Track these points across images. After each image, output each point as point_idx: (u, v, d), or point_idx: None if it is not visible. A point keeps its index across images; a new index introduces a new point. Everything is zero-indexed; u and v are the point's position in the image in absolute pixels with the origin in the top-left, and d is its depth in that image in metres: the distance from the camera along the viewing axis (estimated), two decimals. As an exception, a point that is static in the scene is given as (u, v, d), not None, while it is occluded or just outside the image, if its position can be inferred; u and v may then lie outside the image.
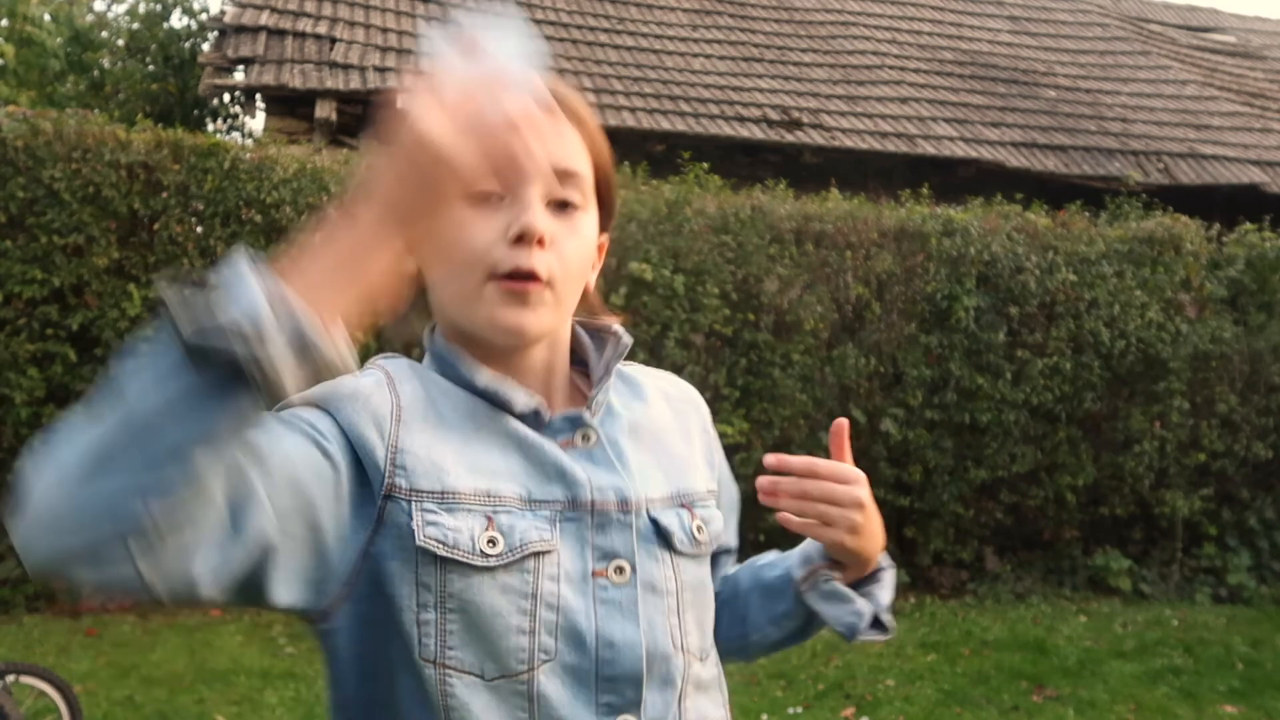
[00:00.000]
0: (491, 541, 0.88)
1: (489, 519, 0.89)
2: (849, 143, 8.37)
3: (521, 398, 0.96)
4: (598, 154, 0.98)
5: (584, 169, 0.96)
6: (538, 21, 9.11)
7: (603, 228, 1.02)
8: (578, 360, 1.06)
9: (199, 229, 5.40)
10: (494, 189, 0.89)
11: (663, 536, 0.97)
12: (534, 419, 0.96)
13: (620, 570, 0.94)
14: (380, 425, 0.89)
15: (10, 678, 3.28)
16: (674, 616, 0.96)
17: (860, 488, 0.99)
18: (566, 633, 0.90)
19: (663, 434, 1.05)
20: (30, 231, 5.13)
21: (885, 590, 1.08)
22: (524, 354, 0.98)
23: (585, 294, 1.03)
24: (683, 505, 1.01)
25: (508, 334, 0.94)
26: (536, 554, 0.89)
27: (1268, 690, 4.70)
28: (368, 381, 0.93)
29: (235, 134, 12.21)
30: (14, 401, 5.05)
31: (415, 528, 0.87)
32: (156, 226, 5.28)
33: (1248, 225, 7.03)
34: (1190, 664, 5.05)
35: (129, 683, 4.29)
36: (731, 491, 1.13)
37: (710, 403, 1.18)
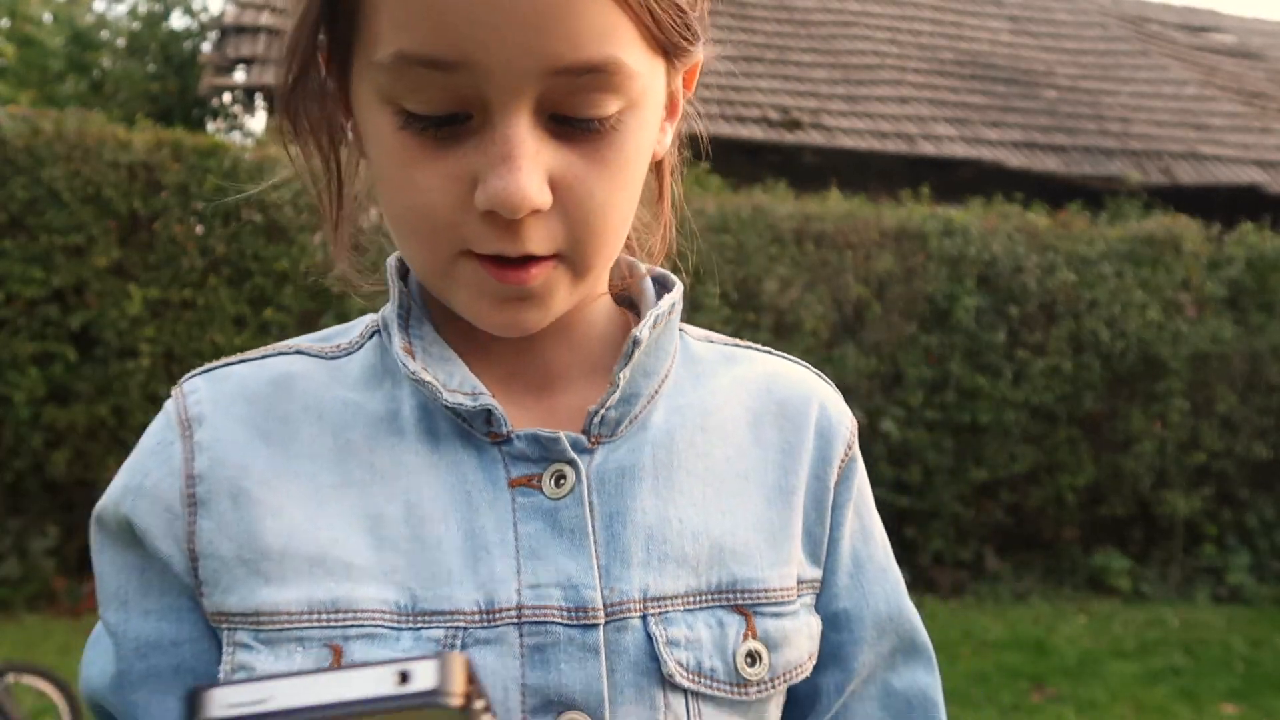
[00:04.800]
0: None
1: (335, 650, 0.55)
2: (849, 143, 8.37)
3: (456, 385, 0.59)
4: None
5: (615, 49, 0.52)
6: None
7: (680, 53, 0.58)
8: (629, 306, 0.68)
9: (199, 229, 5.41)
10: (445, 109, 0.52)
11: (655, 664, 0.57)
12: (481, 424, 0.59)
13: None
14: (171, 523, 0.58)
15: (10, 678, 3.27)
16: None
17: None
18: None
19: (734, 470, 0.63)
20: (30, 231, 5.13)
21: None
22: None
23: (659, 168, 0.66)
24: (734, 608, 0.60)
25: (499, 330, 0.59)
26: None
27: (1268, 690, 4.70)
28: (149, 443, 0.60)
29: (235, 134, 12.22)
30: (14, 401, 5.05)
31: (221, 676, 0.56)
32: (156, 226, 5.29)
33: (1248, 225, 7.03)
34: (1190, 664, 5.05)
35: (129, 683, 4.29)
36: (875, 591, 0.68)
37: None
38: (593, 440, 0.60)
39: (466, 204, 0.54)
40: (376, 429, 0.60)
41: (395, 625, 0.55)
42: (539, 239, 0.54)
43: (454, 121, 0.53)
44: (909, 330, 6.25)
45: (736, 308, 5.83)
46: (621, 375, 0.61)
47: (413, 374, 0.59)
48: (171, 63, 11.86)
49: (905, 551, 6.29)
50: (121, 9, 12.91)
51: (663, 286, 0.66)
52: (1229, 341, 6.59)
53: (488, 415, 0.59)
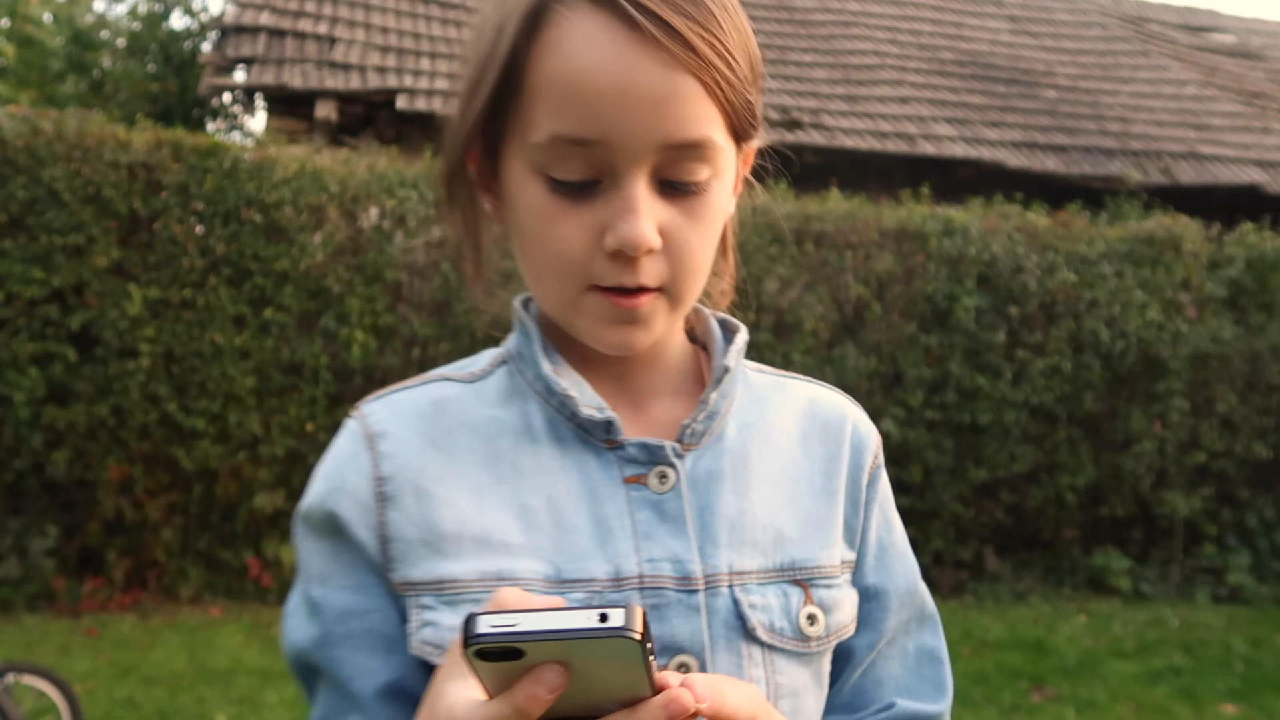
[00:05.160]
0: None
1: None
2: (849, 143, 8.37)
3: (587, 401, 0.76)
4: (731, 84, 0.70)
5: (710, 131, 0.70)
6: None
7: (746, 138, 0.76)
8: (698, 344, 0.85)
9: (199, 229, 5.41)
10: (583, 175, 0.70)
11: (741, 622, 0.74)
12: (602, 432, 0.76)
13: (684, 668, 0.71)
14: (366, 515, 0.74)
15: (10, 678, 3.28)
16: None
17: None
18: None
19: (790, 475, 0.80)
20: (30, 231, 5.13)
21: None
22: None
23: (723, 231, 0.82)
24: (794, 581, 0.76)
25: (612, 349, 0.75)
26: None
27: (1268, 690, 4.71)
28: (342, 454, 0.76)
29: (235, 134, 12.21)
30: (14, 401, 5.05)
31: (410, 631, 0.72)
32: (156, 226, 5.29)
33: (1248, 225, 7.03)
34: (1190, 664, 5.05)
35: (129, 683, 4.29)
36: (896, 571, 0.84)
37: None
38: (685, 447, 0.77)
39: (596, 248, 0.71)
40: (518, 438, 0.76)
41: (545, 591, 0.70)
42: (650, 273, 0.72)
43: (589, 185, 0.70)
44: (909, 330, 6.25)
45: (736, 308, 5.81)
46: (711, 396, 0.78)
47: (562, 390, 0.76)
48: (171, 63, 11.86)
49: (905, 551, 6.29)
50: (121, 9, 12.92)
51: (724, 327, 0.84)
52: (1229, 341, 6.60)
53: (608, 425, 0.76)
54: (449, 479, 0.74)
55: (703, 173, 0.72)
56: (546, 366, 0.77)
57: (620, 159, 0.69)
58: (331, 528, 0.74)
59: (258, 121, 15.99)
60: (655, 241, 0.70)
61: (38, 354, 5.13)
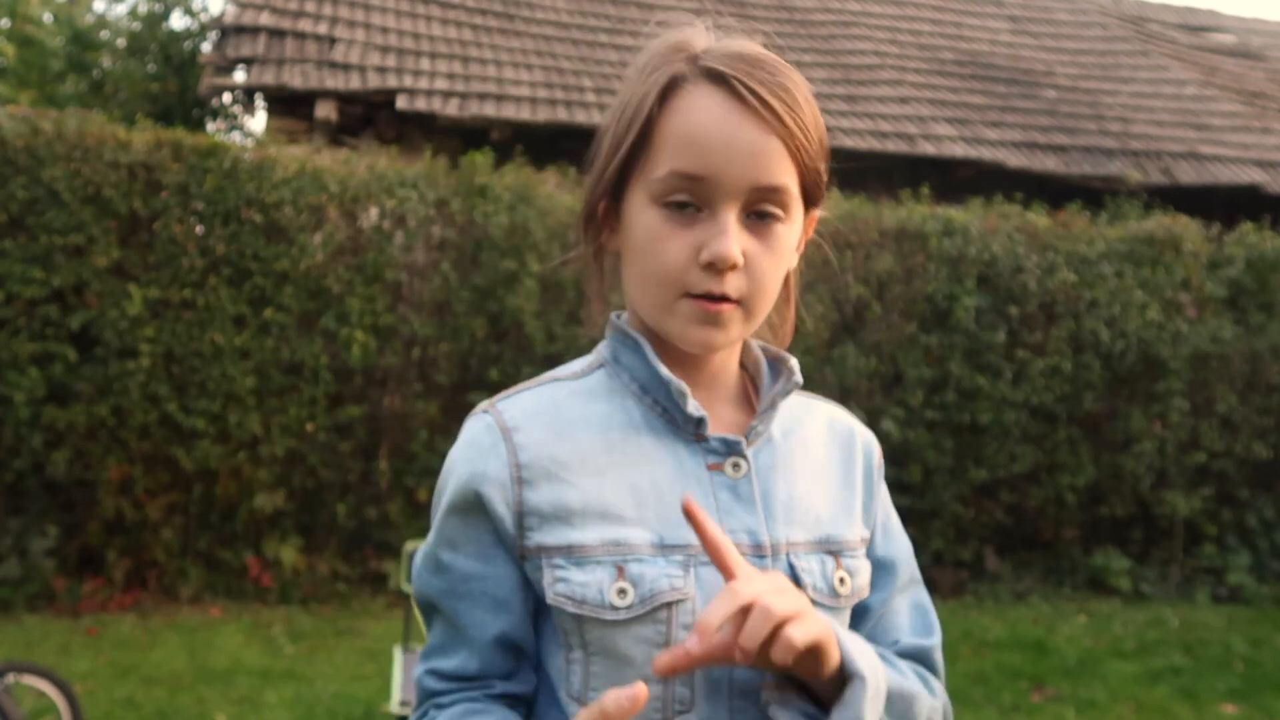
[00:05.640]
0: (621, 592, 0.88)
1: (619, 569, 0.89)
2: (849, 143, 8.37)
3: (693, 404, 0.94)
4: (805, 154, 0.93)
5: (787, 181, 0.92)
6: (538, 21, 9.12)
7: (813, 204, 0.98)
8: (745, 369, 1.05)
9: (199, 229, 5.41)
10: (691, 200, 0.91)
11: (797, 584, 0.91)
12: (693, 428, 0.95)
13: None
14: (505, 494, 0.91)
15: (10, 678, 3.28)
16: None
17: (740, 595, 0.81)
18: (702, 683, 0.89)
19: (821, 472, 1.01)
20: (30, 231, 5.13)
21: (845, 713, 0.87)
22: (701, 355, 0.97)
23: (786, 278, 1.01)
24: (828, 552, 0.97)
25: (695, 347, 0.94)
26: (669, 604, 0.88)
27: (1268, 690, 4.71)
28: (483, 444, 0.94)
29: (235, 134, 12.21)
30: (14, 401, 5.05)
31: (545, 586, 0.90)
32: (156, 226, 5.29)
33: (1248, 225, 7.03)
34: (1190, 664, 5.05)
35: (129, 683, 4.29)
36: (897, 546, 1.06)
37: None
38: (750, 443, 0.97)
39: (692, 262, 0.90)
40: (625, 429, 0.95)
41: (652, 555, 0.90)
42: (733, 286, 0.91)
43: (694, 212, 0.91)
44: (909, 330, 6.25)
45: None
46: (781, 404, 0.99)
47: (678, 390, 0.94)
48: (171, 63, 11.85)
49: (905, 551, 6.29)
50: (121, 9, 12.91)
51: (776, 360, 1.04)
52: (1229, 341, 6.59)
53: (700, 422, 0.95)
54: (574, 464, 0.92)
55: (778, 213, 0.92)
56: (664, 370, 0.95)
57: (719, 194, 0.90)
58: (474, 505, 0.92)
59: (258, 122, 15.99)
60: (739, 259, 0.90)
61: (38, 354, 5.13)
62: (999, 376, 6.27)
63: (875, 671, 0.90)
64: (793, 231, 0.95)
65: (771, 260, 0.93)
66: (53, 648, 4.66)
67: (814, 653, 0.85)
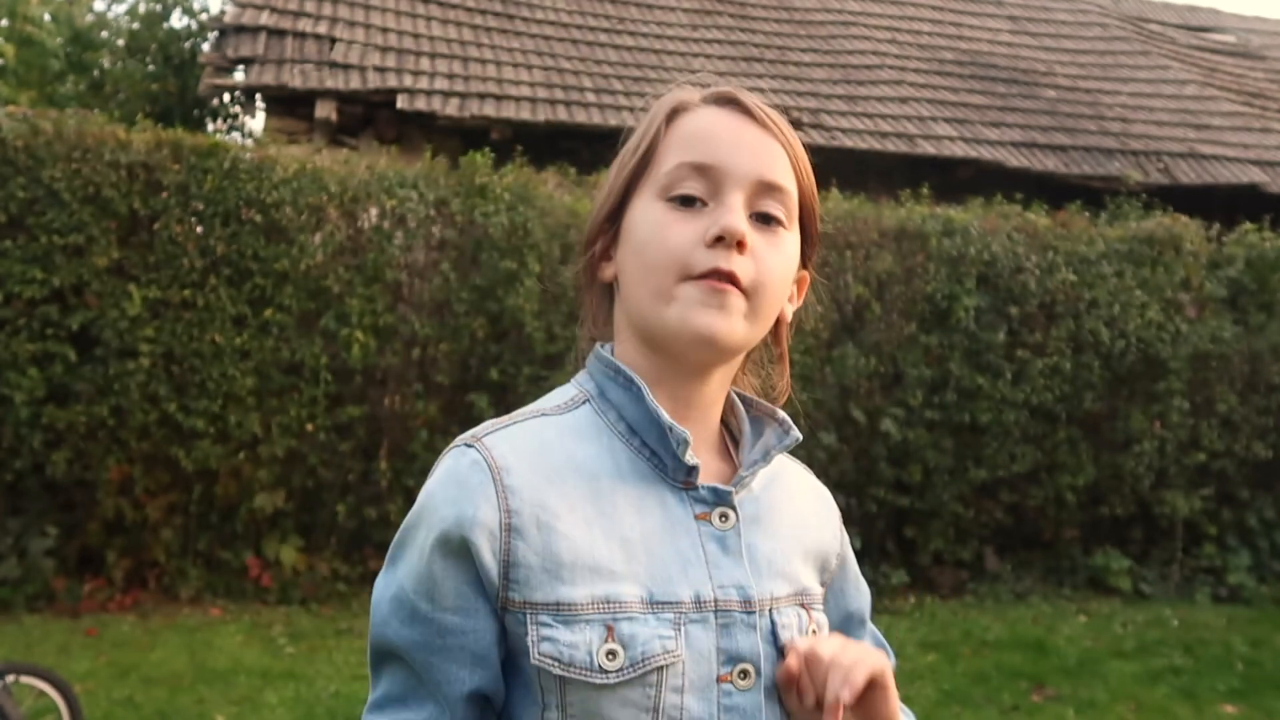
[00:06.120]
0: (611, 654, 0.84)
1: (609, 629, 0.85)
2: (849, 143, 8.37)
3: (689, 456, 0.90)
4: (804, 178, 0.95)
5: (790, 185, 0.93)
6: (538, 21, 9.12)
7: (806, 260, 0.98)
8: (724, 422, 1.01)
9: (199, 229, 5.40)
10: (697, 193, 0.90)
11: (776, 638, 0.92)
12: (683, 475, 0.91)
13: (745, 675, 0.88)
14: (494, 543, 0.85)
15: (10, 678, 3.27)
16: None
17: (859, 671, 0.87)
18: None
19: (798, 527, 0.99)
20: (30, 231, 5.13)
21: None
22: (693, 387, 0.93)
23: (779, 325, 1.00)
24: (802, 605, 0.96)
25: (698, 338, 0.88)
26: (660, 667, 0.85)
27: (1268, 690, 4.70)
28: (470, 484, 0.87)
29: (235, 134, 12.21)
30: (14, 401, 5.05)
31: (530, 644, 0.85)
32: (156, 226, 5.29)
33: (1248, 225, 7.03)
34: (1190, 664, 5.05)
35: (129, 683, 4.29)
36: (864, 596, 1.09)
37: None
38: (735, 493, 0.93)
39: (698, 244, 0.88)
40: (613, 476, 0.90)
41: (643, 612, 0.86)
42: (740, 267, 0.88)
43: (700, 204, 0.90)
44: (909, 330, 6.25)
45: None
46: (772, 457, 0.97)
47: (681, 439, 0.90)
48: (171, 63, 11.86)
49: (905, 551, 6.29)
50: (121, 9, 12.89)
51: (756, 409, 1.00)
52: (1229, 341, 6.59)
53: (691, 470, 0.91)
54: (563, 513, 0.87)
55: (780, 212, 0.92)
56: (665, 415, 0.90)
57: (726, 182, 0.90)
58: (457, 551, 0.86)
59: (258, 121, 15.97)
60: (747, 236, 0.88)
61: (37, 354, 5.13)
62: (999, 376, 6.27)
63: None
64: (793, 247, 0.94)
65: (778, 259, 0.91)
66: (52, 648, 4.66)
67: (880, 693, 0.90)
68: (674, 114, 0.94)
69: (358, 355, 5.43)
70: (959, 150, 8.63)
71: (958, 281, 6.24)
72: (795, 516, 1.00)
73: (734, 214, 0.88)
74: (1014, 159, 8.75)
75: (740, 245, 0.88)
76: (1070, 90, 10.20)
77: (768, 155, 0.91)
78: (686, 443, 0.89)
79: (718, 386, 0.95)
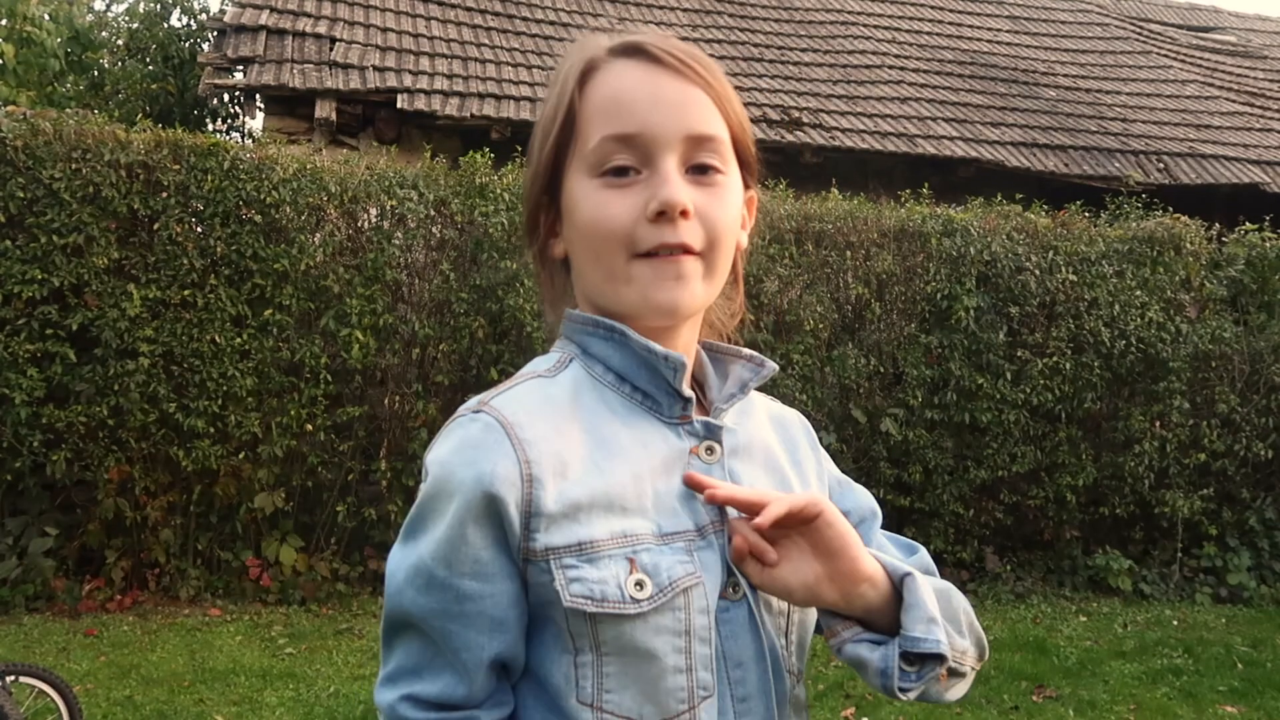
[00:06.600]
0: (639, 584, 0.86)
1: (631, 561, 0.87)
2: (849, 143, 8.37)
3: (685, 386, 0.93)
4: (731, 113, 0.94)
5: (720, 131, 0.92)
6: (537, 21, 9.12)
7: (747, 185, 0.98)
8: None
9: (199, 229, 5.40)
10: (628, 163, 0.89)
11: None
12: (679, 408, 0.94)
13: (735, 588, 0.92)
14: (517, 495, 0.86)
15: (10, 678, 3.27)
16: (783, 636, 0.96)
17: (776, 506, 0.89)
18: (721, 663, 0.90)
19: (772, 456, 1.02)
20: (30, 231, 5.12)
21: (915, 610, 0.91)
22: (672, 336, 0.94)
23: (735, 252, 0.99)
24: None
25: (660, 312, 0.91)
26: (685, 589, 0.87)
27: (1268, 690, 4.70)
28: (485, 443, 0.88)
29: (235, 134, 12.20)
30: (13, 401, 5.04)
31: (559, 588, 0.86)
32: (156, 226, 5.28)
33: (1248, 225, 7.03)
34: (1190, 664, 5.04)
35: (129, 683, 4.29)
36: (857, 493, 1.09)
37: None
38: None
39: (639, 218, 0.89)
40: (611, 420, 0.92)
41: (658, 544, 0.89)
42: (689, 234, 0.89)
43: (633, 174, 0.89)
44: (909, 330, 6.25)
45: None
46: (749, 389, 1.00)
47: (678, 363, 0.91)
48: (171, 63, 11.84)
49: (905, 551, 6.28)
50: (121, 9, 12.87)
51: (719, 352, 1.02)
52: (1229, 341, 6.59)
53: (687, 403, 0.94)
54: (575, 459, 0.89)
55: (716, 161, 0.91)
56: (658, 345, 0.92)
57: (655, 148, 0.89)
58: (485, 510, 0.86)
59: (257, 121, 15.95)
60: (688, 204, 0.88)
61: (37, 354, 5.12)
62: (999, 376, 6.27)
63: (916, 569, 0.94)
64: (735, 189, 0.94)
65: (722, 209, 0.91)
66: (52, 648, 4.66)
67: (850, 571, 0.90)
68: (585, 75, 0.93)
69: (357, 355, 5.43)
70: (959, 150, 8.63)
71: (958, 281, 6.24)
72: (768, 448, 1.02)
73: (670, 183, 0.88)
74: (1014, 159, 8.75)
75: (684, 214, 0.88)
76: (1070, 90, 10.20)
77: (691, 107, 0.90)
78: (684, 366, 0.92)
79: (689, 333, 0.97)
